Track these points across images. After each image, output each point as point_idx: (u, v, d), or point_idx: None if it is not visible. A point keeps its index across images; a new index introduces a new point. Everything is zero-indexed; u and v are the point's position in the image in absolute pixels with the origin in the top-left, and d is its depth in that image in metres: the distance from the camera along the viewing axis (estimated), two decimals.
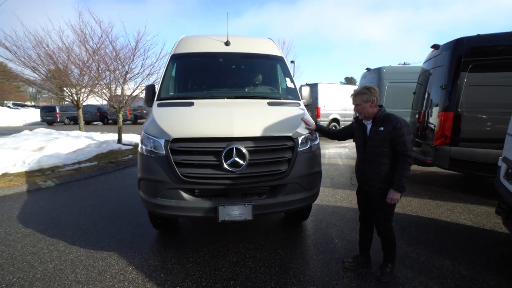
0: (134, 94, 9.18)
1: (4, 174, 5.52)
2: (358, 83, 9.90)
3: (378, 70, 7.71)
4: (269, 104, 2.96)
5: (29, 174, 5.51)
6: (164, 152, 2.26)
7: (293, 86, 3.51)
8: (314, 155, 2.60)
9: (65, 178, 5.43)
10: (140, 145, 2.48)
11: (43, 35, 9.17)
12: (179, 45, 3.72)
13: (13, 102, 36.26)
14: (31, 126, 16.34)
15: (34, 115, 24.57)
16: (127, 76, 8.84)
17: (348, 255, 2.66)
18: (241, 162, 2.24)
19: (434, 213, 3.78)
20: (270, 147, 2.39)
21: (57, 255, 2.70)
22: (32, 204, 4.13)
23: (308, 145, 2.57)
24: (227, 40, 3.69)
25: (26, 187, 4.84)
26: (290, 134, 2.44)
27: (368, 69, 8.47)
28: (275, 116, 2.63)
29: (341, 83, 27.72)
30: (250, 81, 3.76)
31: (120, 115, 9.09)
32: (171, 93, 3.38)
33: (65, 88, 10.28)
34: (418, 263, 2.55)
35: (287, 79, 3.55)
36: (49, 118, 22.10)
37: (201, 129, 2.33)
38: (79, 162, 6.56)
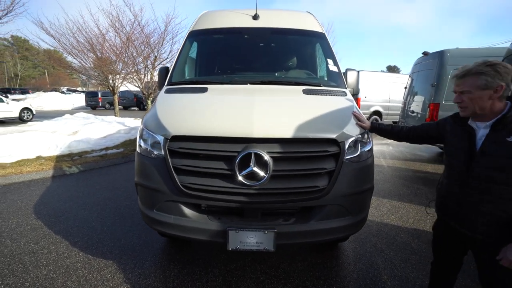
0: None
1: (38, 157, 5.68)
2: (409, 72, 8.25)
3: (440, 54, 6.28)
4: (305, 92, 2.24)
5: (59, 159, 5.58)
6: (163, 153, 1.73)
7: (336, 70, 2.72)
8: (366, 166, 1.83)
9: (90, 164, 5.38)
10: (137, 141, 1.98)
11: (82, 22, 9.39)
12: (199, 21, 3.14)
13: (67, 87, 39.97)
14: (76, 110, 17.60)
15: (82, 100, 26.62)
16: (156, 62, 8.66)
17: None
18: (262, 173, 1.59)
19: None
20: (305, 154, 1.69)
21: (54, 259, 2.41)
22: (52, 192, 4.04)
23: (358, 152, 1.82)
24: (256, 14, 3.01)
25: (52, 172, 4.85)
26: (334, 136, 1.70)
27: (425, 53, 7.02)
28: (312, 109, 1.92)
29: (382, 72, 25.02)
30: (281, 63, 3.04)
31: (149, 102, 9.04)
32: (186, 77, 2.84)
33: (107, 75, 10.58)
34: None
35: (330, 61, 2.76)
36: (93, 103, 23.71)
37: (208, 125, 1.73)
38: (106, 148, 6.55)
